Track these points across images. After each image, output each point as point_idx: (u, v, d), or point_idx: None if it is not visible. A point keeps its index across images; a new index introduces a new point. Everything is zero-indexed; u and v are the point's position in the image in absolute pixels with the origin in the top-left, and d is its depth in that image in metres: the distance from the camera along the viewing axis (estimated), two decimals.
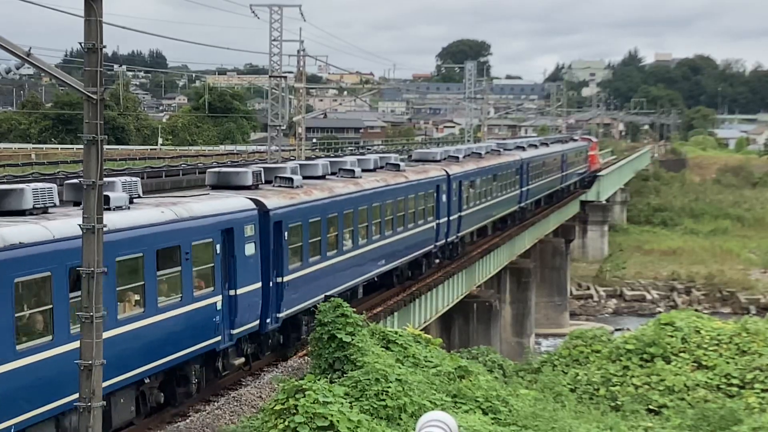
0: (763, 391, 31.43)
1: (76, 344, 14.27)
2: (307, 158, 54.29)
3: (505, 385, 27.63)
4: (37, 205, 17.39)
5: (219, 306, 21.29)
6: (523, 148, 60.48)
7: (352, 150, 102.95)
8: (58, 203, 18.29)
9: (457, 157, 44.79)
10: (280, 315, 24.25)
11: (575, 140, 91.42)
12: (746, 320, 35.55)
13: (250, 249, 22.37)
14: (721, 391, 31.69)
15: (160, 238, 19.06)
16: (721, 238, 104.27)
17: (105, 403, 14.52)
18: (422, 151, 46.15)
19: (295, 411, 17.33)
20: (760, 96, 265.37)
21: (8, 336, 15.04)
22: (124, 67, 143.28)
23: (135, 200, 19.97)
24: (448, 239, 40.99)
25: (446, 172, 40.24)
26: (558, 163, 71.51)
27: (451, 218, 40.57)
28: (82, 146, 14.34)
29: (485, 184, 47.06)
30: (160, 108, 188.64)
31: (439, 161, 42.84)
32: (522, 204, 57.71)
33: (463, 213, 42.50)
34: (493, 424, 21.81)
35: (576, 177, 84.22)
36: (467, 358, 29.03)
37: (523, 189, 57.04)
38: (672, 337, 33.88)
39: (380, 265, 32.35)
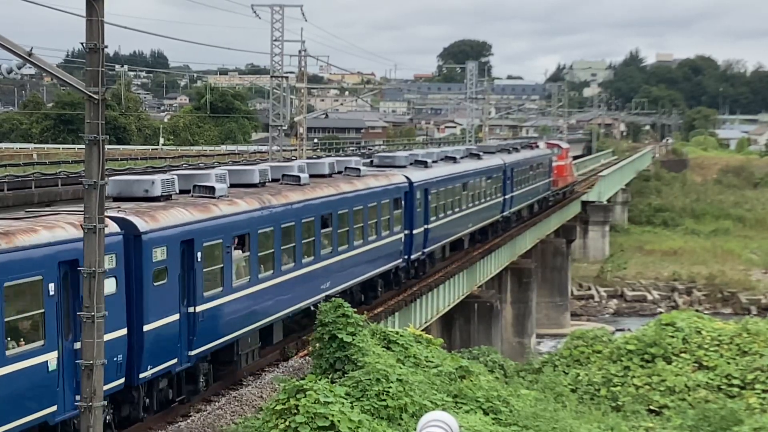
0: (763, 391, 31.45)
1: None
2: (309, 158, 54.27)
3: (506, 386, 27.66)
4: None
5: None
6: (424, 164, 39.08)
7: (353, 150, 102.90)
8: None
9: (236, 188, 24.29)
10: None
11: (533, 147, 69.43)
12: (747, 321, 35.59)
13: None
14: (721, 391, 31.71)
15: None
16: (722, 239, 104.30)
17: (104, 403, 14.49)
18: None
19: (296, 411, 17.35)
20: (761, 96, 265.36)
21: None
22: (125, 67, 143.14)
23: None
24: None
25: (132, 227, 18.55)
26: (496, 183, 50.36)
27: (143, 330, 18.55)
28: (83, 146, 14.37)
29: (308, 231, 26.17)
30: (162, 108, 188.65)
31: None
32: (422, 252, 37.05)
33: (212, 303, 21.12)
34: (494, 424, 21.84)
35: (531, 199, 62.08)
36: (468, 359, 29.05)
37: (415, 231, 35.46)
38: (673, 337, 33.90)
39: None
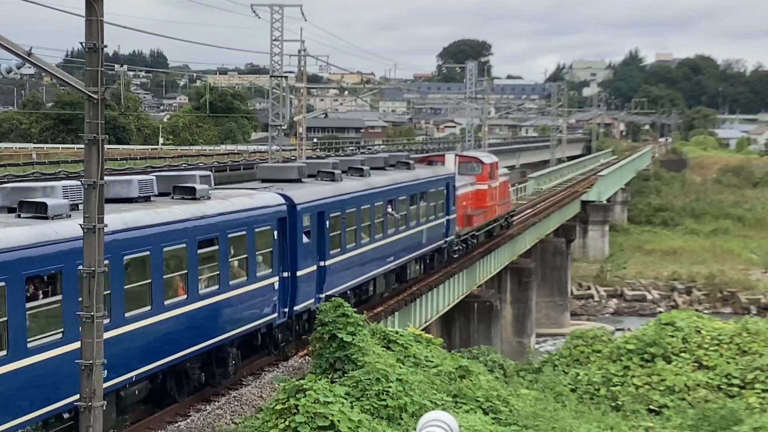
0: (763, 391, 31.44)
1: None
2: (308, 158, 54.19)
3: (505, 385, 27.65)
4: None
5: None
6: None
7: (353, 149, 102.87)
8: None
9: None
10: None
11: (408, 165, 37.70)
12: (747, 320, 35.58)
13: None
14: (721, 391, 31.71)
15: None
16: (721, 238, 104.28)
17: (105, 403, 14.49)
18: None
19: (295, 411, 17.34)
20: (760, 96, 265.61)
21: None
22: (125, 66, 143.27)
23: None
24: None
25: None
26: (256, 253, 22.73)
27: None
28: (83, 146, 14.34)
29: None
30: (161, 108, 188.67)
31: None
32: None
33: None
34: (493, 424, 21.83)
35: (391, 262, 32.93)
36: (468, 358, 29.03)
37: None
38: (673, 337, 33.89)
39: None
